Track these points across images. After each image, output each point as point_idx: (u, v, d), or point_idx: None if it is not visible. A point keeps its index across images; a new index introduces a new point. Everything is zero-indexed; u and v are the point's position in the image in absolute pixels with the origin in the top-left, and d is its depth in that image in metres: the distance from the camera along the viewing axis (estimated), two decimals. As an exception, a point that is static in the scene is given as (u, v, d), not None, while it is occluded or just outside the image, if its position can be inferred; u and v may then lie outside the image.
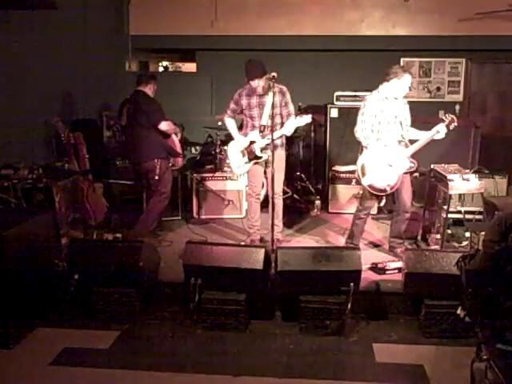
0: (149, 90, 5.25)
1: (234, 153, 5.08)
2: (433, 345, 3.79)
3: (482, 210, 5.02)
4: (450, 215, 5.00)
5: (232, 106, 5.04)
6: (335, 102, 6.86)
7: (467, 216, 5.19)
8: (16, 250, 3.85)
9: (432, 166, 5.23)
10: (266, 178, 5.14)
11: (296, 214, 6.38)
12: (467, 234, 5.00)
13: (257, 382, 3.39)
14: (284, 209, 5.26)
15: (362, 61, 7.72)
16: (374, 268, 4.54)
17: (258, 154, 4.93)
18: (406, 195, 4.80)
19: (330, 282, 3.97)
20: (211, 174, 6.26)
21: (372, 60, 7.55)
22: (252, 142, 4.94)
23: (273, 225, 4.65)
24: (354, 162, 5.38)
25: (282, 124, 4.92)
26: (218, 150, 6.40)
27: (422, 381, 3.35)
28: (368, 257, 4.74)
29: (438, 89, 8.09)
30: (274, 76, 4.52)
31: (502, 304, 2.81)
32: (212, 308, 3.99)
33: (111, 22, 7.73)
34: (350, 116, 6.51)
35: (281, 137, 4.96)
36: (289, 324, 4.08)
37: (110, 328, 4.01)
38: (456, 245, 5.07)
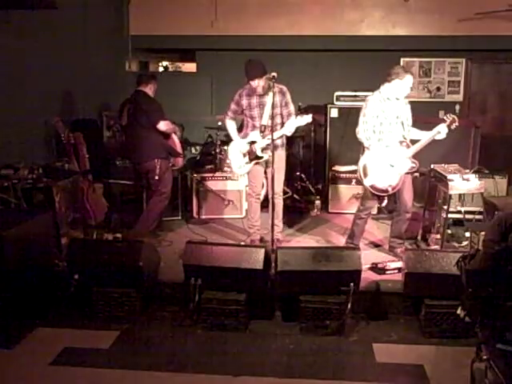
0: (149, 89, 5.25)
1: (235, 153, 5.08)
2: (433, 345, 3.80)
3: (482, 210, 5.02)
4: (450, 215, 5.00)
5: (233, 106, 5.04)
6: (335, 102, 6.86)
7: (467, 216, 5.19)
8: (16, 249, 3.86)
9: (432, 166, 5.23)
10: (267, 178, 5.14)
11: (296, 213, 6.37)
12: (467, 234, 5.00)
13: (257, 382, 3.39)
14: (284, 209, 5.26)
15: (362, 61, 7.73)
16: (374, 268, 4.54)
17: (259, 154, 4.92)
18: (408, 195, 4.80)
19: (329, 282, 3.97)
20: (211, 174, 6.26)
21: (372, 60, 7.56)
22: (253, 142, 4.94)
23: (273, 225, 4.65)
24: (353, 162, 5.39)
25: (283, 124, 4.92)
26: (218, 150, 6.40)
27: (422, 381, 3.35)
28: (368, 257, 4.74)
29: (438, 89, 8.09)
30: (274, 76, 4.52)
31: (502, 304, 2.81)
32: (212, 308, 3.99)
33: (111, 22, 7.73)
34: (350, 116, 6.53)
35: (281, 137, 4.96)
36: (289, 324, 4.09)
37: (110, 328, 4.01)
38: (456, 245, 5.07)
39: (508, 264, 2.84)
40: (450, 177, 4.79)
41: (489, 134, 7.44)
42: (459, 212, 5.24)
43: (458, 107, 8.00)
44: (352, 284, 3.91)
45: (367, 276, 4.35)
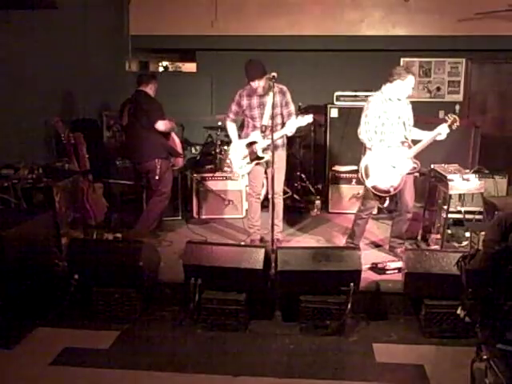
0: (150, 89, 5.26)
1: (236, 154, 5.08)
2: (433, 345, 3.79)
3: (482, 210, 5.02)
4: (450, 215, 5.00)
5: (234, 108, 5.03)
6: (335, 102, 6.85)
7: (467, 216, 5.19)
8: (16, 249, 3.86)
9: (432, 166, 5.23)
10: (267, 178, 5.14)
11: (296, 213, 6.37)
12: (467, 234, 5.00)
13: (257, 382, 3.39)
14: (284, 209, 5.26)
15: (362, 61, 7.73)
16: (374, 268, 4.54)
17: (260, 154, 4.92)
18: (409, 196, 4.80)
19: (330, 282, 3.97)
20: (211, 174, 6.26)
21: (372, 60, 7.56)
22: (253, 143, 4.94)
23: (273, 225, 4.65)
24: (353, 162, 5.39)
25: (283, 124, 4.92)
26: (218, 150, 6.40)
27: (422, 381, 3.35)
28: (368, 257, 4.74)
29: (438, 89, 8.09)
30: (274, 76, 4.52)
31: (502, 304, 2.81)
32: (212, 308, 3.99)
33: (111, 22, 7.73)
34: (350, 116, 6.54)
35: (282, 137, 4.96)
36: (289, 324, 4.08)
37: (110, 328, 4.01)
38: (456, 245, 5.07)
39: (508, 264, 2.83)
40: (449, 177, 4.79)
41: (489, 134, 7.45)
42: (459, 212, 5.24)
43: (458, 107, 8.00)
44: (352, 284, 3.91)
45: (367, 276, 4.35)
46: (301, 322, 3.98)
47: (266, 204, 5.45)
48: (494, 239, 3.03)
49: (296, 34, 7.73)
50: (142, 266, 4.06)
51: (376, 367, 3.52)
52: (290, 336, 3.91)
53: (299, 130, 5.07)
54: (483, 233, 4.14)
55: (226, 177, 6.24)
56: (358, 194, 6.12)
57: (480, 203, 5.04)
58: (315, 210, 6.45)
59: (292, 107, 4.95)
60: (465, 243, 5.04)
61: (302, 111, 6.30)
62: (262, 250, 4.07)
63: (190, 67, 9.46)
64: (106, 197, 5.57)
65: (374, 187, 4.71)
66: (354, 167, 6.20)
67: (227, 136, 5.66)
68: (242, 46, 7.54)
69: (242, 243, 5.10)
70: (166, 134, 5.25)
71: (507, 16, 7.25)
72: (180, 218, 6.15)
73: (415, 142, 4.73)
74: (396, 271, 4.45)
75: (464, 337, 3.76)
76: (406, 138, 4.72)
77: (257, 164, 5.00)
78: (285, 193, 5.90)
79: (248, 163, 5.02)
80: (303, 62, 7.88)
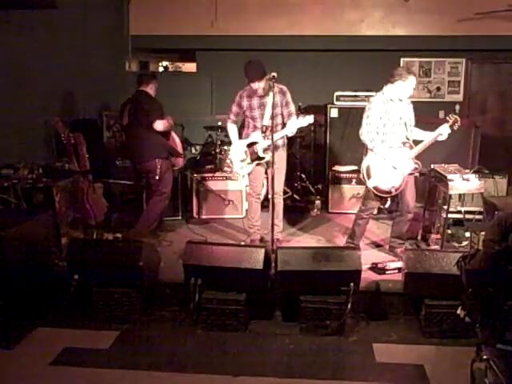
0: (150, 89, 5.26)
1: (237, 154, 5.07)
2: (433, 345, 3.80)
3: (482, 210, 5.02)
4: (450, 215, 5.00)
5: (234, 109, 5.02)
6: (335, 102, 6.85)
7: (467, 216, 5.20)
8: (16, 249, 3.85)
9: (432, 166, 5.22)
10: (267, 178, 5.14)
11: (296, 213, 6.37)
12: (467, 234, 5.00)
13: (257, 382, 3.39)
14: (284, 209, 5.26)
15: (362, 61, 7.73)
16: (374, 268, 4.54)
17: (261, 154, 4.92)
18: (410, 196, 4.80)
19: (329, 282, 3.97)
20: (211, 174, 6.26)
21: (372, 60, 7.57)
22: (254, 143, 4.94)
23: (273, 225, 4.65)
24: (354, 162, 5.39)
25: (284, 124, 4.92)
26: (218, 150, 6.40)
27: (421, 381, 3.35)
28: (368, 257, 4.74)
29: (438, 89, 8.09)
30: (274, 76, 4.51)
31: (502, 304, 2.81)
32: (212, 308, 3.99)
33: (111, 22, 7.73)
34: (350, 116, 6.55)
35: (282, 137, 4.95)
36: (289, 324, 4.08)
37: (110, 328, 4.01)
38: (456, 245, 5.07)
39: (508, 264, 2.84)
40: (450, 177, 4.79)
41: (489, 134, 7.46)
42: (459, 212, 5.24)
43: (458, 107, 8.00)
44: (352, 284, 3.91)
45: (367, 276, 4.35)
46: (301, 322, 3.98)
47: (266, 204, 5.45)
48: (494, 239, 3.03)
49: (296, 34, 7.74)
50: (142, 266, 4.06)
51: (376, 367, 3.52)
52: (290, 336, 3.91)
53: (299, 130, 5.07)
54: (483, 233, 4.14)
55: (226, 177, 6.24)
56: (358, 194, 6.13)
57: (480, 203, 5.04)
58: (315, 209, 6.45)
59: (292, 107, 4.95)
60: (465, 243, 5.04)
61: (302, 111, 6.31)
62: (262, 250, 4.07)
63: (189, 67, 9.46)
64: (106, 197, 5.57)
65: (375, 188, 4.71)
66: (354, 167, 6.21)
67: (227, 136, 5.66)
68: (242, 46, 7.54)
69: (242, 243, 5.09)
70: (166, 134, 5.25)
71: (507, 16, 7.25)
72: (180, 217, 6.15)
73: (416, 142, 4.73)
74: (396, 271, 4.45)
75: (464, 337, 3.76)
76: (408, 139, 4.72)
77: (257, 164, 5.00)
78: (285, 193, 5.90)
79: (249, 163, 5.02)
80: (303, 61, 7.88)
